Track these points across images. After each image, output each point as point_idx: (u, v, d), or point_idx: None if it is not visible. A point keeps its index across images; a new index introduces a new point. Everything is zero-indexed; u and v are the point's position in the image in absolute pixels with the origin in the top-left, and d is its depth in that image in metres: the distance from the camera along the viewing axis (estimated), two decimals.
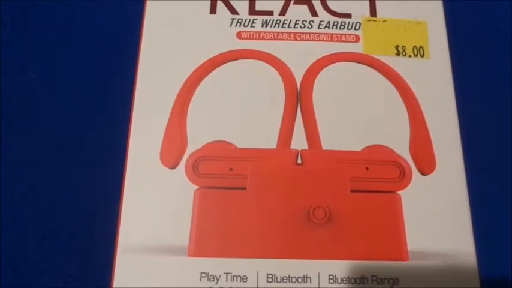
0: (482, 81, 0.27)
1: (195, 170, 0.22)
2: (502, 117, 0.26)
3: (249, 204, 0.21)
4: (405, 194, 0.22)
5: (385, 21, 0.25)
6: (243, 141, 0.22)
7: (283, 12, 0.25)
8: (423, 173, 0.22)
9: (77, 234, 0.24)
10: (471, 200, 0.22)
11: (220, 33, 0.24)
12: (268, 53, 0.24)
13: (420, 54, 0.24)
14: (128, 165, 0.22)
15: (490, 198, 0.24)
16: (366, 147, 0.22)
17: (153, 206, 0.21)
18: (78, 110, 0.26)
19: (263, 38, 0.24)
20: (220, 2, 0.25)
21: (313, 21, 0.25)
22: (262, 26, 0.25)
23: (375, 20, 0.25)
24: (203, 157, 0.22)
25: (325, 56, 0.24)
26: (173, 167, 0.22)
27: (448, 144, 0.22)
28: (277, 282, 0.20)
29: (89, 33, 0.28)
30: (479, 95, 0.27)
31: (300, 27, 0.25)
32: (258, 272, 0.20)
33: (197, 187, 0.21)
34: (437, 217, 0.21)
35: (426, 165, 0.22)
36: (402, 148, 0.22)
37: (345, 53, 0.24)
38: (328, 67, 0.24)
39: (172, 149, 0.22)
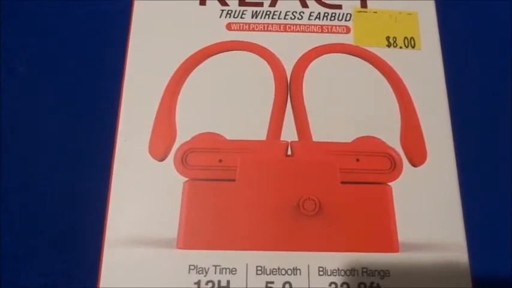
0: (473, 71, 0.27)
1: (183, 162, 0.22)
2: (493, 108, 0.26)
3: (238, 196, 0.21)
4: (396, 186, 0.21)
5: (376, 12, 0.25)
6: (232, 132, 0.22)
7: (273, 3, 0.25)
8: (414, 165, 0.22)
9: (65, 228, 0.24)
10: (462, 191, 0.21)
11: (209, 24, 0.24)
12: (258, 45, 0.24)
13: (411, 45, 0.24)
14: (116, 158, 0.22)
15: (481, 189, 0.24)
16: (357, 138, 0.22)
17: (142, 199, 0.21)
18: (65, 101, 0.26)
19: (253, 30, 0.24)
20: None
21: (303, 13, 0.25)
22: (252, 17, 0.24)
23: (365, 11, 0.25)
24: (192, 149, 0.22)
25: (315, 48, 0.24)
26: (162, 159, 0.22)
27: (439, 135, 0.22)
28: (267, 274, 0.20)
29: (77, 24, 0.28)
30: (470, 85, 0.26)
31: (290, 18, 0.24)
32: (247, 264, 0.20)
33: (186, 179, 0.21)
34: (428, 209, 0.21)
35: (417, 156, 0.22)
36: (393, 139, 0.22)
37: (335, 44, 0.24)
38: (319, 58, 0.24)
39: (161, 141, 0.22)
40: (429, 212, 0.21)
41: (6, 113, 0.26)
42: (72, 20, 0.28)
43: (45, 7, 0.29)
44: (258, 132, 0.22)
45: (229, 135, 0.22)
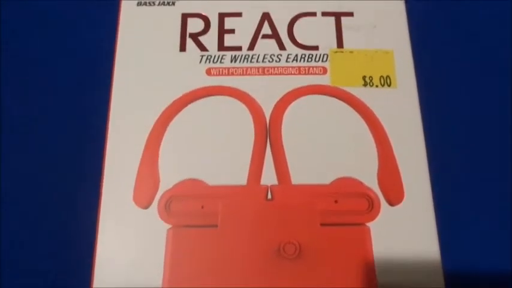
0: (449, 109, 0.27)
1: (167, 209, 0.22)
2: (470, 145, 0.26)
3: (220, 242, 0.22)
4: (374, 226, 0.22)
5: (352, 52, 0.25)
6: (214, 178, 0.23)
7: (251, 47, 0.25)
8: (391, 204, 0.22)
9: (52, 275, 0.24)
10: (439, 230, 0.22)
11: (190, 70, 0.25)
12: (237, 89, 0.24)
13: (387, 84, 0.25)
14: (102, 206, 0.22)
15: (459, 228, 0.25)
16: (335, 179, 0.23)
17: (127, 247, 0.22)
18: (51, 148, 0.27)
19: (232, 74, 0.25)
20: (190, 39, 0.25)
21: (281, 55, 0.25)
22: (231, 61, 0.25)
23: (342, 51, 0.25)
24: (175, 196, 0.22)
25: (292, 90, 0.24)
26: (146, 207, 0.22)
27: (415, 174, 0.23)
28: None
29: (61, 70, 0.29)
30: (446, 123, 0.27)
31: (269, 61, 0.25)
32: None
33: (170, 226, 0.22)
34: (406, 248, 0.22)
35: (394, 195, 0.22)
36: (371, 179, 0.23)
37: (313, 86, 0.24)
38: (297, 100, 0.24)
39: (144, 188, 0.22)
40: (407, 252, 0.21)
41: None
42: (55, 67, 0.29)
43: (25, 56, 0.29)
44: (239, 176, 0.23)
45: (211, 181, 0.23)
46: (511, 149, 0.27)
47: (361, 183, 0.23)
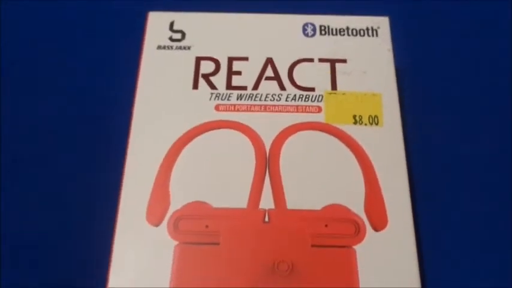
0: (432, 147, 0.30)
1: (175, 228, 0.25)
2: (450, 181, 0.29)
3: (221, 258, 0.24)
4: (360, 248, 0.24)
5: (344, 94, 0.29)
6: (218, 201, 0.26)
7: (255, 87, 0.29)
8: (376, 229, 0.25)
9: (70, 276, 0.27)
10: (419, 254, 0.24)
11: (201, 106, 0.28)
12: (241, 123, 0.27)
13: (375, 123, 0.28)
14: (119, 221, 0.25)
15: (437, 249, 0.27)
16: (326, 206, 0.25)
17: (140, 257, 0.24)
18: (71, 171, 0.30)
19: (238, 110, 0.28)
20: (202, 79, 0.29)
21: (281, 95, 0.28)
22: (237, 99, 0.28)
23: (335, 93, 0.29)
24: (183, 216, 0.25)
25: (290, 126, 0.27)
26: (157, 225, 0.25)
27: (398, 203, 0.25)
28: None
29: (84, 95, 0.32)
30: (428, 158, 0.30)
31: (270, 100, 0.28)
32: None
33: (177, 243, 0.25)
34: (388, 269, 0.24)
35: (379, 222, 0.25)
36: (358, 206, 0.25)
37: (308, 122, 0.28)
38: (294, 135, 0.27)
39: (156, 208, 0.25)
40: (389, 273, 0.24)
41: None
42: (80, 91, 0.33)
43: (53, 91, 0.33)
44: (240, 200, 0.26)
45: (215, 204, 0.25)
46: (494, 184, 0.29)
47: (349, 210, 0.25)
